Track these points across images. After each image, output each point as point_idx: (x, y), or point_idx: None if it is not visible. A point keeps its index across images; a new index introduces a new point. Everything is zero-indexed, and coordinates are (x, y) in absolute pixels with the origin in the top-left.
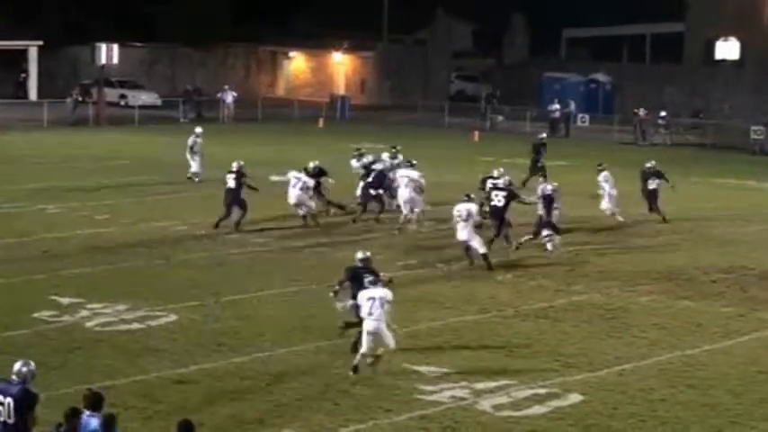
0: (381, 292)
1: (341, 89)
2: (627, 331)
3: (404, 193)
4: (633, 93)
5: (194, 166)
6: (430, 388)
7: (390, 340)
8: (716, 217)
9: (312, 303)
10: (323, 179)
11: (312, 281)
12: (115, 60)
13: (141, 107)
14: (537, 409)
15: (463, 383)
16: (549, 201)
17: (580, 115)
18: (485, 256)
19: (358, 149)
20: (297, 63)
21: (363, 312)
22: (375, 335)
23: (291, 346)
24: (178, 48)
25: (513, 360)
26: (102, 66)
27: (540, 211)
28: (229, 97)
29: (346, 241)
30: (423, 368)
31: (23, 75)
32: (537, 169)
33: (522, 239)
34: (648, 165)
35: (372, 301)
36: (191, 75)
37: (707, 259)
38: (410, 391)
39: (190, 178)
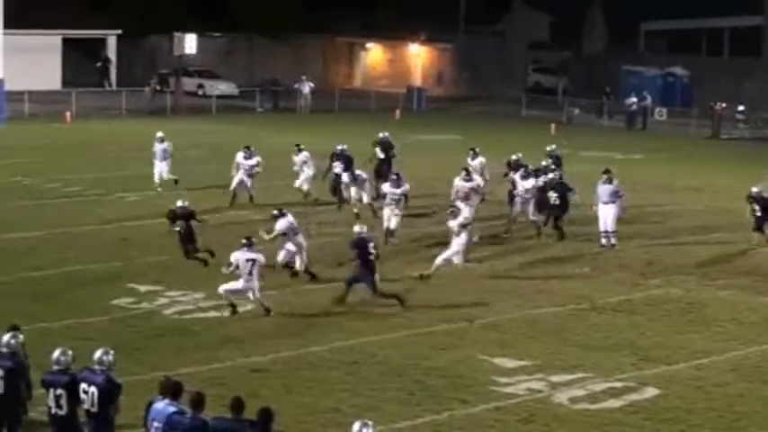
0: (259, 255)
1: (418, 80)
2: (704, 325)
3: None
4: (711, 86)
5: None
6: (506, 380)
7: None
8: None
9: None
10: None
11: (387, 271)
12: (193, 50)
13: (219, 97)
14: (613, 403)
15: (539, 376)
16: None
17: (657, 109)
18: None
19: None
20: (374, 54)
21: (243, 272)
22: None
23: (367, 337)
24: (256, 38)
25: (589, 353)
26: (180, 55)
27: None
28: (306, 88)
29: (432, 232)
30: (499, 360)
31: (99, 63)
32: None
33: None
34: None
35: (252, 262)
36: (268, 65)
37: None
38: (486, 382)
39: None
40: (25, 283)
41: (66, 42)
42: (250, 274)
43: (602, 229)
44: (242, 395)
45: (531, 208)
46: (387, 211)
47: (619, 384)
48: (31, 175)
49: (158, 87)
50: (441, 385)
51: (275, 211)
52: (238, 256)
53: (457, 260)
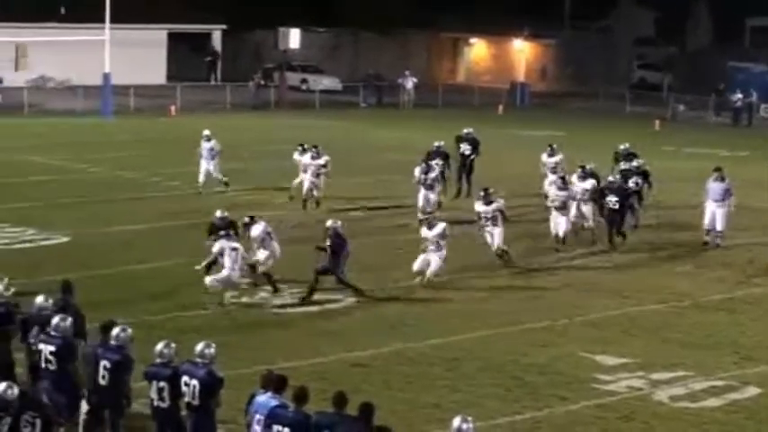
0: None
1: (521, 76)
2: None
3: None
4: None
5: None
6: (606, 377)
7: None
8: None
9: (485, 290)
10: None
11: (485, 269)
12: (297, 45)
13: (322, 92)
14: (713, 402)
15: (640, 373)
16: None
17: (762, 105)
18: None
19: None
20: (477, 50)
21: (228, 261)
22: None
23: (466, 333)
24: (360, 33)
25: (690, 351)
26: (285, 50)
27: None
28: (409, 83)
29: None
30: (599, 357)
31: (208, 58)
32: None
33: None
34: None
35: (236, 252)
36: (372, 60)
37: None
38: (586, 379)
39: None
40: (127, 275)
41: (171, 37)
42: (235, 262)
43: (707, 226)
44: (344, 390)
45: (588, 211)
46: (486, 232)
47: (720, 383)
48: (134, 169)
49: (262, 82)
50: (540, 382)
51: (246, 219)
52: (224, 245)
53: (430, 271)
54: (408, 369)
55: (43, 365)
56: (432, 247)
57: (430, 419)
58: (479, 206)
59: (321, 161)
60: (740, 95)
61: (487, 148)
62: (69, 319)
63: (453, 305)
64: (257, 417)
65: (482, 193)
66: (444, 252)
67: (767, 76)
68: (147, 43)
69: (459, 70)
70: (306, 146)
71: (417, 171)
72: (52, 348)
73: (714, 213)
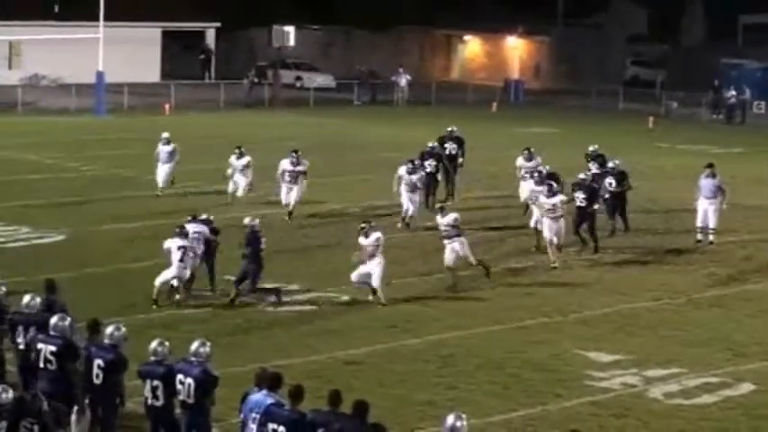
0: (192, 243)
1: (515, 73)
2: None
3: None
4: None
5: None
6: (601, 374)
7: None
8: None
9: (483, 287)
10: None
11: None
12: (291, 42)
13: (316, 89)
14: (707, 398)
15: (634, 370)
16: None
17: (756, 102)
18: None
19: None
20: (471, 47)
21: (175, 259)
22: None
23: (461, 330)
24: (354, 30)
25: (684, 348)
26: (279, 48)
27: None
28: (403, 80)
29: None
30: (593, 354)
31: (201, 55)
32: None
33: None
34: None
35: (184, 250)
36: (366, 57)
37: None
38: (581, 376)
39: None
40: (121, 274)
41: (165, 35)
42: (181, 261)
43: (699, 224)
44: (338, 388)
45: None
46: (447, 249)
47: (714, 380)
48: (128, 167)
49: (256, 80)
50: (536, 379)
51: (189, 217)
52: (170, 244)
53: (376, 284)
54: (402, 366)
55: (42, 365)
56: (367, 257)
57: (423, 417)
58: (439, 219)
59: (301, 167)
60: (733, 92)
61: (481, 146)
62: (68, 319)
63: (447, 303)
64: (252, 415)
65: (439, 206)
66: (381, 258)
67: (759, 73)
68: (140, 41)
69: (452, 67)
70: (243, 149)
71: (402, 170)
72: (53, 348)
73: (706, 210)
